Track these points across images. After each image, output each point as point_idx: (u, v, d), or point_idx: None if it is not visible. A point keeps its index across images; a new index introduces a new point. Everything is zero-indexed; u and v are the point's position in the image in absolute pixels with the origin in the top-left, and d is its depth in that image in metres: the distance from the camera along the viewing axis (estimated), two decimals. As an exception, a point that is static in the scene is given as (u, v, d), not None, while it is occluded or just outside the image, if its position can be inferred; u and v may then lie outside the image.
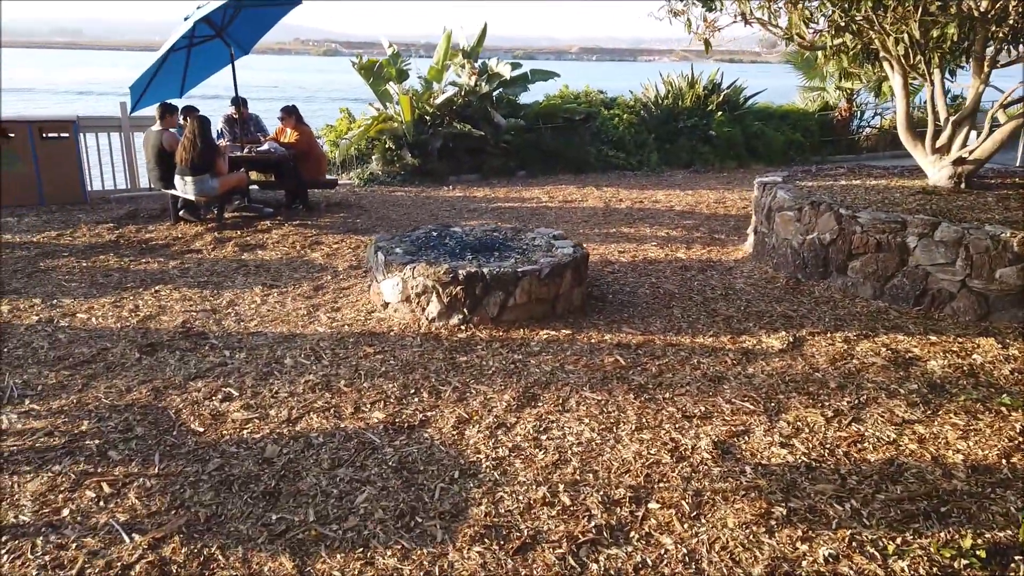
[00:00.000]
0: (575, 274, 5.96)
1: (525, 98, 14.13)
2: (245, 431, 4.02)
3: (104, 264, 7.27)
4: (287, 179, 9.80)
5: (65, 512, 3.28)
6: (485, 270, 5.53)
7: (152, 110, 9.33)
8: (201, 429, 4.04)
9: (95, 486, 3.48)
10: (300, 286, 6.63)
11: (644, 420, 4.18)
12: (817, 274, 6.79)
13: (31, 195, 9.78)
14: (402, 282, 5.70)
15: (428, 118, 12.74)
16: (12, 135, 9.55)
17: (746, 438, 3.99)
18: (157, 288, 6.53)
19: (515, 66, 13.33)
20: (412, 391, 4.51)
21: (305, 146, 9.75)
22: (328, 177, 10.39)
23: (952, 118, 7.47)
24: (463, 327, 5.54)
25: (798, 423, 4.16)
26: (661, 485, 3.54)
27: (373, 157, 12.67)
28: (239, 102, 9.76)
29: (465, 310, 5.57)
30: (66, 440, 3.90)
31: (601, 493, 3.46)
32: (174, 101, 9.34)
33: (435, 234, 6.66)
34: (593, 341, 5.35)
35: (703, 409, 4.32)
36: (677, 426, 4.12)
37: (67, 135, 9.97)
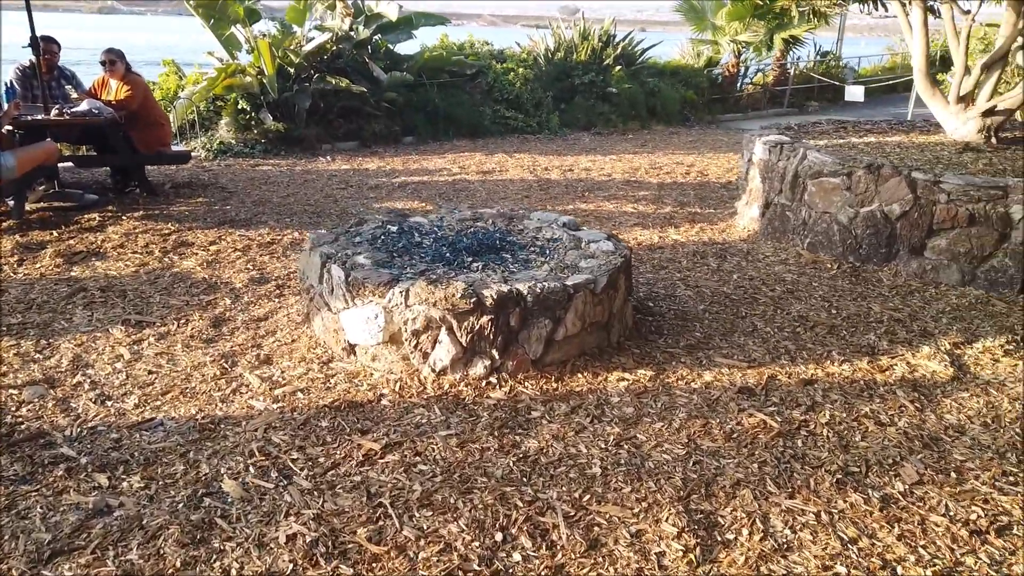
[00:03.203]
0: (627, 282, 4.09)
1: (404, 49, 11.82)
2: None
3: None
4: (116, 152, 6.99)
5: None
6: (521, 287, 3.51)
7: None
8: None
9: None
10: (188, 320, 4.21)
11: (925, 552, 2.43)
12: (878, 256, 5.37)
13: None
14: (385, 313, 3.54)
15: (292, 71, 10.12)
16: None
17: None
18: (-66, 343, 3.87)
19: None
20: (498, 535, 2.46)
21: (140, 105, 6.99)
22: (176, 148, 7.64)
23: (982, 61, 6.30)
24: (493, 379, 3.51)
25: None
26: None
27: (221, 122, 9.89)
28: (39, 44, 6.64)
29: (495, 352, 3.52)
30: None
31: None
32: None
33: (394, 229, 4.48)
34: (695, 386, 3.52)
35: (970, 509, 2.64)
36: (963, 547, 2.41)
37: None
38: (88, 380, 3.49)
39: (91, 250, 5.42)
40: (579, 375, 3.60)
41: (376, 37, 10.85)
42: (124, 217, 6.33)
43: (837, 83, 16.67)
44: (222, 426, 3.10)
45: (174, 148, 7.52)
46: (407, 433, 3.06)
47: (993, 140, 6.40)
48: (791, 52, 16.21)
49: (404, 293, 3.49)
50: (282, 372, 3.61)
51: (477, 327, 3.45)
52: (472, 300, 3.41)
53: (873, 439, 3.10)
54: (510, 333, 3.53)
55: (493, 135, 11.73)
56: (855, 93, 14.52)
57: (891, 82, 16.95)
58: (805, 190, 5.80)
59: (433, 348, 3.52)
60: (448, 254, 4.07)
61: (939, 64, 14.51)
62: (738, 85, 15.87)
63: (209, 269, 5.12)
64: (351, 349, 3.75)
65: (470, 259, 4.00)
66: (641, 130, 13.12)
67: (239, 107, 9.89)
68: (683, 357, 3.84)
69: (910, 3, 6.57)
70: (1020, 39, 6.26)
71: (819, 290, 4.93)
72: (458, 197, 7.63)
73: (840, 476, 2.82)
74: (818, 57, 17.60)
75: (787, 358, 3.87)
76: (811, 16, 14.89)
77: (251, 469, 2.79)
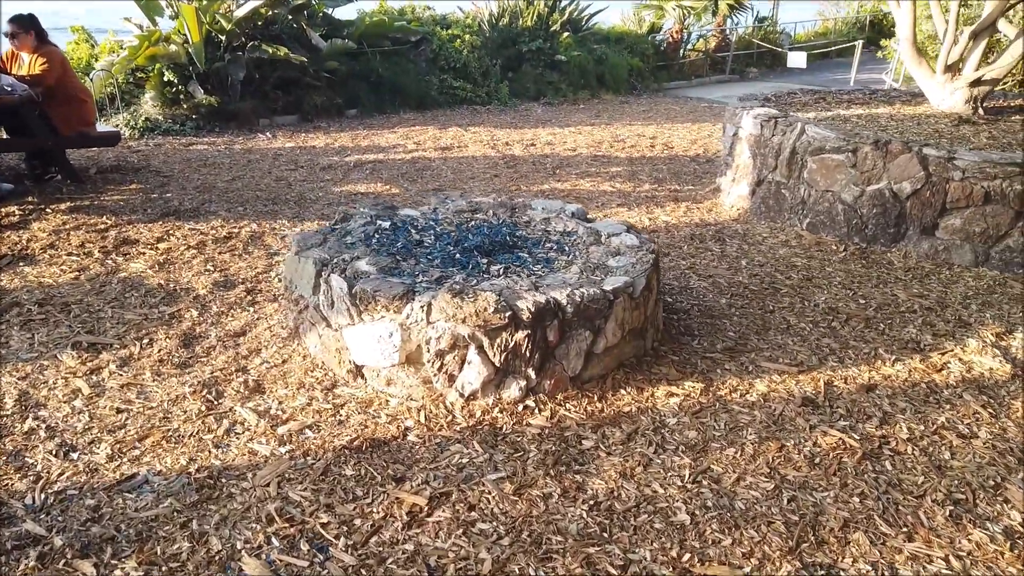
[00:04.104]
0: (658, 280, 3.69)
1: (341, 14, 11.01)
2: None
3: None
4: (33, 134, 6.11)
5: None
6: (559, 296, 3.06)
7: None
8: None
9: None
10: (152, 340, 3.59)
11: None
12: (885, 236, 5.14)
13: None
14: (402, 331, 3.03)
15: (223, 39, 9.21)
16: None
17: None
18: None
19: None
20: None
21: (58, 79, 6.11)
22: (104, 128, 6.77)
23: (970, 29, 6.11)
24: (530, 402, 3.06)
25: None
26: None
27: (145, 96, 8.95)
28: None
29: (531, 371, 3.07)
30: None
31: None
32: None
33: (386, 225, 3.94)
34: (751, 399, 3.17)
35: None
36: None
37: None
38: (43, 425, 2.87)
39: (16, 253, 4.66)
40: (622, 391, 3.19)
41: (313, 1, 10.01)
42: (48, 210, 5.53)
43: (778, 49, 16.62)
44: (224, 481, 2.56)
45: (104, 128, 6.66)
46: (450, 478, 2.59)
47: (980, 111, 6.26)
48: (731, 18, 16.03)
49: (426, 308, 2.99)
50: (280, 403, 3.07)
51: (512, 344, 2.99)
52: (507, 314, 2.93)
53: (963, 456, 2.81)
54: (547, 349, 3.09)
55: (441, 106, 11.10)
56: (797, 59, 14.48)
57: (835, 48, 17.02)
58: (804, 167, 5.51)
59: (461, 370, 3.04)
60: (459, 255, 3.57)
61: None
62: (681, 52, 15.60)
63: (163, 272, 4.46)
64: (358, 371, 3.23)
65: (485, 261, 3.51)
66: (592, 99, 12.70)
67: (165, 79, 8.97)
68: (726, 363, 3.47)
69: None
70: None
71: (836, 276, 4.65)
72: (422, 177, 7.07)
73: (950, 507, 2.51)
74: (756, 23, 17.50)
75: (835, 359, 3.56)
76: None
77: (274, 541, 2.28)
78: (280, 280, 4.33)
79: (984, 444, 2.89)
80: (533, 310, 2.97)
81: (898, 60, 12.55)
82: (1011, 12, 6.66)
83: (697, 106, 12.50)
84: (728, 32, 16.62)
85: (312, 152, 8.07)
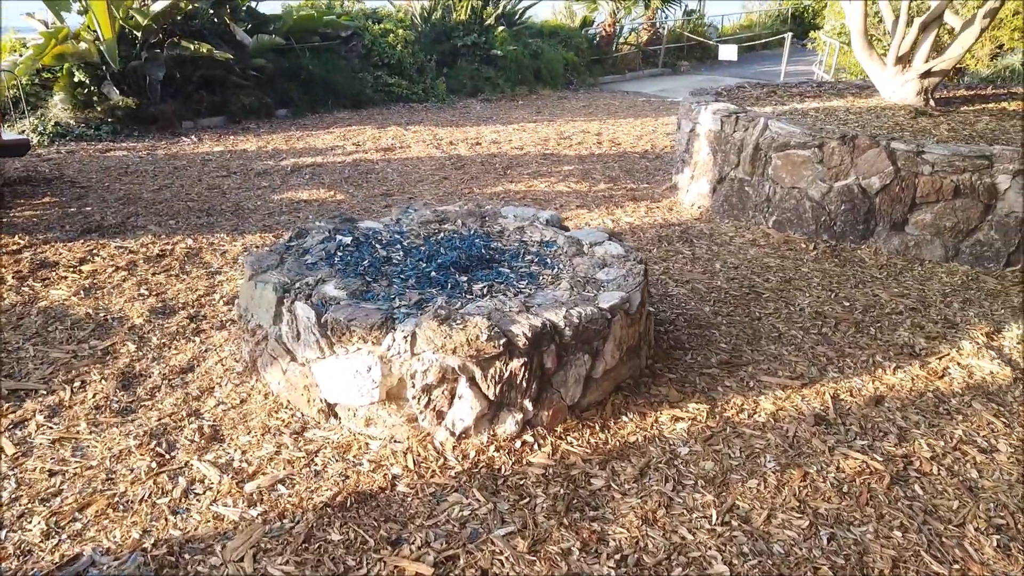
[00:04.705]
0: (647, 293, 3.44)
1: (265, 8, 10.41)
2: None
3: None
4: (-72, 144, 5.46)
5: None
6: (554, 318, 2.77)
7: None
8: None
9: None
10: (85, 382, 3.14)
11: None
12: (854, 233, 5.05)
13: None
14: (382, 364, 2.69)
15: (138, 35, 8.53)
16: None
17: None
18: None
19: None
20: None
21: (-45, 84, 5.47)
22: (9, 136, 6.09)
23: (921, 19, 6.10)
24: (528, 436, 2.77)
25: None
26: None
27: (54, 99, 8.21)
28: None
29: (527, 402, 2.77)
30: None
31: None
32: None
33: (348, 240, 3.57)
34: (760, 420, 2.96)
35: None
36: None
37: None
38: (-42, 500, 2.41)
39: (-86, 282, 4.08)
40: (624, 417, 2.93)
41: (236, -6, 9.41)
42: (-50, 230, 4.92)
43: (710, 42, 16.73)
44: (187, 557, 2.18)
45: (9, 136, 6.00)
46: (453, 537, 2.27)
47: (932, 102, 6.27)
48: (662, 11, 16.04)
49: (409, 338, 2.65)
50: (244, 453, 2.68)
51: (507, 374, 2.69)
52: (501, 341, 2.63)
53: (989, 474, 2.66)
54: (544, 376, 2.79)
55: (376, 104, 10.64)
56: (728, 52, 14.54)
57: (762, 41, 17.24)
58: (768, 164, 5.37)
59: (451, 405, 2.72)
60: (434, 273, 3.24)
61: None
62: (614, 45, 15.50)
63: (90, 299, 3.97)
64: (330, 411, 2.87)
65: (464, 279, 3.19)
66: (530, 95, 12.44)
67: (75, 80, 8.25)
68: (725, 379, 3.26)
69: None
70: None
71: (812, 277, 4.51)
72: (367, 182, 6.67)
73: (995, 535, 2.34)
74: (685, 16, 17.59)
75: (834, 369, 3.38)
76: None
77: (258, 634, 1.92)
78: (229, 306, 3.91)
79: (1008, 459, 2.75)
80: (529, 335, 2.67)
81: (828, 52, 12.74)
82: (957, 3, 6.70)
83: (636, 100, 12.40)
84: (659, 26, 16.63)
85: (244, 156, 7.54)
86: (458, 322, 2.68)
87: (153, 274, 4.35)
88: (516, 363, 2.69)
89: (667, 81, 14.97)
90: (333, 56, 10.46)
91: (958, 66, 8.48)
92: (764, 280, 4.44)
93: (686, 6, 17.43)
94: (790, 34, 13.99)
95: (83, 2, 8.51)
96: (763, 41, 18.24)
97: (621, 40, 15.93)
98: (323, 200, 6.04)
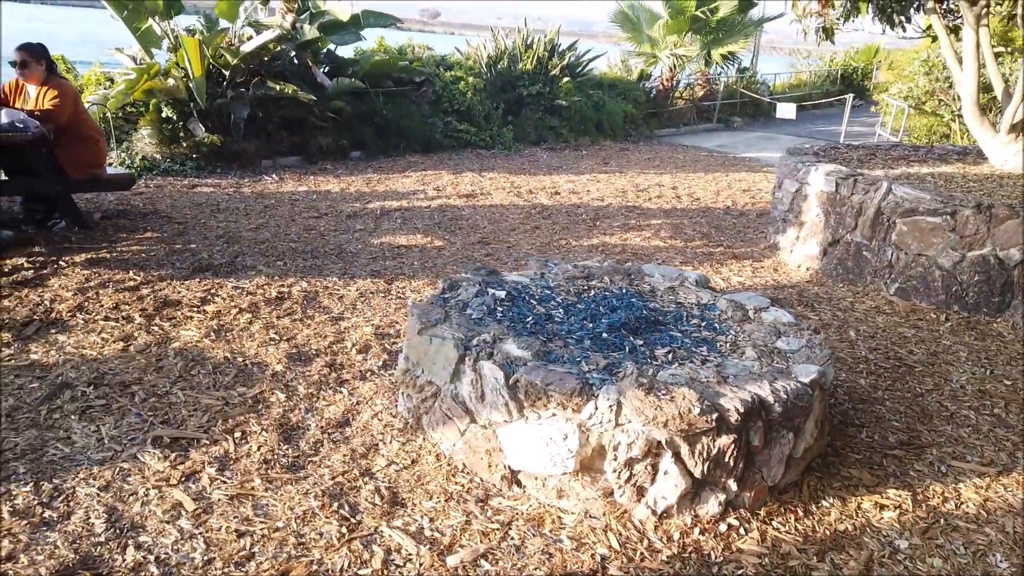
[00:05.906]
0: (820, 361, 3.29)
1: (344, 52, 10.54)
2: None
3: None
4: (38, 175, 5.45)
5: None
6: (762, 392, 2.62)
7: None
8: None
9: None
10: (246, 433, 3.02)
11: None
12: (989, 305, 4.88)
13: None
14: (580, 433, 2.54)
15: (226, 74, 8.63)
16: None
17: None
18: None
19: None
20: None
21: (70, 116, 5.48)
22: (116, 170, 6.11)
23: (1033, 90, 6.01)
24: (733, 519, 2.60)
25: None
26: None
27: (142, 132, 8.27)
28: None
29: (731, 482, 2.61)
30: None
31: None
32: None
33: (502, 294, 3.45)
34: (970, 511, 2.78)
35: None
36: None
37: None
38: (151, 558, 2.27)
39: (43, 318, 4.01)
40: (824, 502, 2.76)
41: (320, 38, 9.51)
42: (63, 263, 4.87)
43: (764, 99, 16.78)
44: (410, 640, 2.01)
45: (116, 170, 6.01)
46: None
47: (1042, 172, 6.14)
48: (722, 67, 16.12)
49: (614, 407, 2.51)
50: (432, 521, 2.53)
51: (715, 451, 2.53)
52: (713, 416, 2.48)
53: None
54: (749, 455, 2.64)
55: (446, 149, 10.66)
56: (786, 111, 14.57)
57: (812, 101, 17.28)
58: (892, 229, 5.24)
59: (653, 481, 2.56)
60: (605, 334, 3.11)
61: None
62: (669, 99, 15.56)
63: (221, 342, 3.87)
64: (513, 478, 2.73)
65: (639, 342, 3.06)
66: (592, 145, 12.45)
67: (163, 115, 8.32)
68: (914, 463, 3.08)
69: (944, 23, 6.20)
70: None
71: (958, 351, 4.34)
72: (460, 228, 6.60)
73: None
74: (739, 73, 17.69)
75: None
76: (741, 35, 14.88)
77: None
78: (363, 355, 3.79)
79: None
80: (741, 410, 2.52)
81: (895, 115, 12.70)
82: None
83: (698, 155, 12.37)
84: (713, 81, 16.71)
85: (329, 198, 7.51)
86: (663, 392, 2.54)
87: (277, 317, 4.25)
88: (725, 439, 2.53)
89: (723, 136, 14.97)
90: (404, 101, 10.53)
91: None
92: (908, 352, 4.28)
93: (740, 63, 17.52)
94: (852, 95, 13.98)
95: (171, 39, 8.63)
96: (814, 101, 18.28)
97: (675, 94, 15.99)
98: (423, 246, 5.96)
